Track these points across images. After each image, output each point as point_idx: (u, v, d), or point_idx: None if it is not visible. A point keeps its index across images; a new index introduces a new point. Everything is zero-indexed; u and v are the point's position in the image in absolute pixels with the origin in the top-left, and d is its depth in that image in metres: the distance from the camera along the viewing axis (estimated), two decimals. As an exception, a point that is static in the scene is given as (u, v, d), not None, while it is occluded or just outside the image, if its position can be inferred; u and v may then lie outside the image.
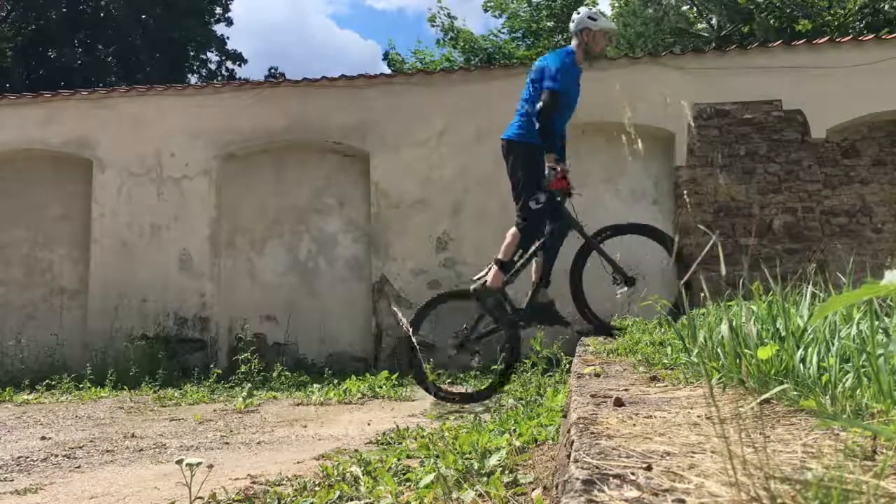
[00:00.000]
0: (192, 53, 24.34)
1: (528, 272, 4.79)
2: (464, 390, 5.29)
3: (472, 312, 5.00)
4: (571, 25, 4.70)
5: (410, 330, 4.43)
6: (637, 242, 4.84)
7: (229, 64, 25.01)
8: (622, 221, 5.21)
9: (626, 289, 4.42)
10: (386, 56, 24.31)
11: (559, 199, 4.53)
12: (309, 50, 72.42)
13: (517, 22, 21.69)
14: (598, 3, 22.37)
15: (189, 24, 22.57)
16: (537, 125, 4.40)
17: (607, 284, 4.55)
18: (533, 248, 4.58)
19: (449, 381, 6.57)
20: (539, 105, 4.37)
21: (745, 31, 18.60)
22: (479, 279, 4.72)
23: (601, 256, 4.50)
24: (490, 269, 4.65)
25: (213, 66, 24.87)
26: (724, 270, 1.15)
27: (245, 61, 25.20)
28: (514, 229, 4.56)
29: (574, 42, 4.66)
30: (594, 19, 4.60)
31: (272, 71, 26.24)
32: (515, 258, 4.58)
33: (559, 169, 4.42)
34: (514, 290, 4.97)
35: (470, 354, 4.88)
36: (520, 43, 21.81)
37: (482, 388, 5.06)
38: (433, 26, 23.08)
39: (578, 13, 4.71)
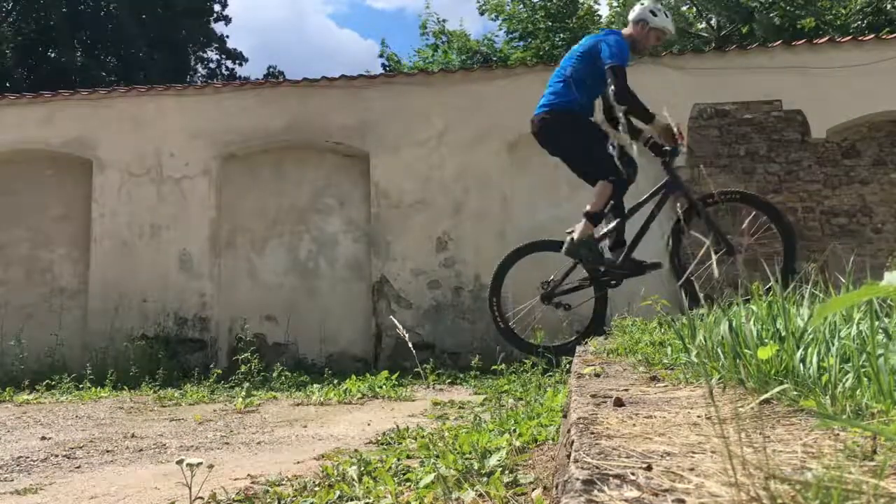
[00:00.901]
0: (192, 56, 24.33)
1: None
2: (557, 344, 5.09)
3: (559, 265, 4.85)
4: (631, 14, 4.54)
5: (492, 291, 4.56)
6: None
7: (229, 63, 25.04)
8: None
9: (726, 259, 4.28)
10: (382, 55, 24.27)
11: (673, 153, 4.42)
12: (308, 49, 72.45)
13: (512, 24, 21.68)
14: (598, 2, 22.37)
15: (189, 24, 22.57)
16: (620, 108, 4.21)
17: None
18: (623, 197, 4.45)
19: (449, 381, 6.58)
20: (612, 88, 4.16)
21: (744, 31, 18.60)
22: (570, 231, 4.55)
23: (707, 223, 4.30)
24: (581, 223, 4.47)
25: (212, 66, 24.89)
26: (716, 273, 1.16)
27: (245, 60, 25.21)
28: (602, 182, 4.36)
29: (627, 29, 4.51)
30: (655, 14, 4.44)
31: (271, 69, 26.26)
32: (606, 209, 4.42)
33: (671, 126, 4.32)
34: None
35: (555, 307, 4.72)
36: (517, 44, 21.80)
37: (567, 342, 4.86)
38: (423, 33, 23.08)
39: (642, 3, 4.53)
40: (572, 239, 4.45)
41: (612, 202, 4.43)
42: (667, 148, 4.41)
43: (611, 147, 4.36)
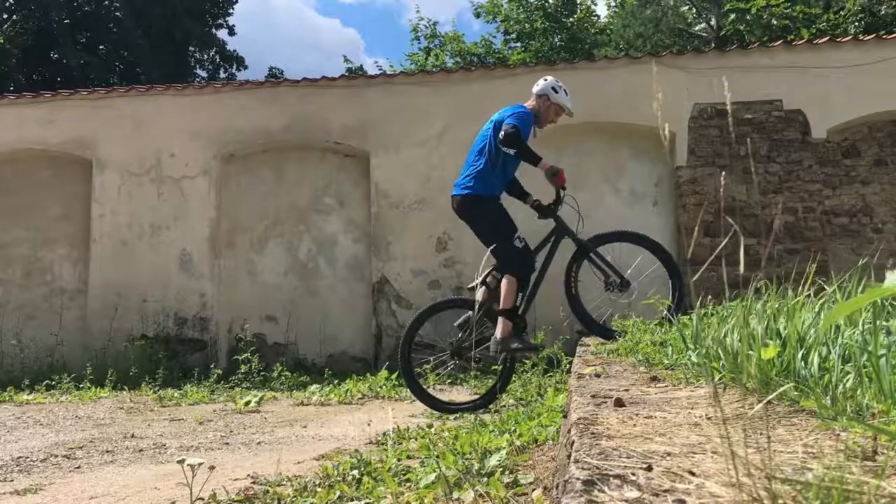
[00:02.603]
0: (192, 58, 24.31)
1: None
2: (465, 401, 5.15)
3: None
4: (535, 87, 4.72)
5: (401, 349, 4.49)
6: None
7: (231, 68, 24.95)
8: (622, 223, 5.17)
9: (620, 293, 4.34)
10: (349, 70, 23.71)
11: (557, 202, 4.51)
12: (287, 39, 72.10)
13: (509, 25, 21.63)
14: (595, 4, 22.35)
15: (189, 24, 22.55)
16: (511, 151, 4.33)
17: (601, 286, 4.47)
18: (532, 283, 4.52)
19: (449, 381, 6.57)
20: (502, 134, 4.33)
21: (743, 30, 18.58)
22: (473, 286, 4.64)
23: (592, 264, 4.42)
24: (499, 322, 4.44)
25: (211, 68, 24.82)
26: (742, 269, 1.16)
27: (245, 67, 25.07)
28: (507, 277, 4.43)
29: (530, 102, 4.68)
30: (556, 91, 4.63)
31: (273, 70, 26.25)
32: (518, 302, 4.46)
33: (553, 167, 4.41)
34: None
35: (465, 363, 4.80)
36: (514, 45, 21.76)
37: (479, 397, 4.92)
38: (416, 38, 22.92)
39: (546, 80, 4.72)
40: (496, 339, 4.47)
41: (521, 294, 4.48)
42: (550, 205, 4.54)
43: (517, 240, 4.44)
